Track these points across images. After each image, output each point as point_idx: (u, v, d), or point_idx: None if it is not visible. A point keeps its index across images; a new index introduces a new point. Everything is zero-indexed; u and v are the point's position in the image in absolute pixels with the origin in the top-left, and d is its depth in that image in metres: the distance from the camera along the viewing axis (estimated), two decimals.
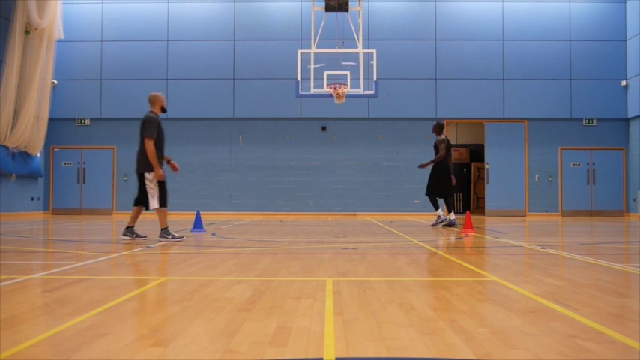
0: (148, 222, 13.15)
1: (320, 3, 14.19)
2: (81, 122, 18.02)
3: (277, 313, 2.83)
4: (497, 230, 10.05)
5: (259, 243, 7.19)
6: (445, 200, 10.77)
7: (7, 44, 15.07)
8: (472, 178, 19.86)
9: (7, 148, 15.28)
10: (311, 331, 2.46)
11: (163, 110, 7.78)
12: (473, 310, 2.95)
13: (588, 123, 17.73)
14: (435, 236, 8.29)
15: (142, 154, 7.26)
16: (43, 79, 16.26)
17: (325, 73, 13.89)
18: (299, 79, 13.79)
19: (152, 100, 7.72)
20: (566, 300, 3.18)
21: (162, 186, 7.36)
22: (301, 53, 13.94)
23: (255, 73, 17.74)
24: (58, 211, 17.84)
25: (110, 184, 17.85)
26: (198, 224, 9.11)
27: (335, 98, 13.83)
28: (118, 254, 5.73)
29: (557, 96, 17.67)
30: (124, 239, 7.22)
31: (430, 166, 10.84)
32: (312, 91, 13.97)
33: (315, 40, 13.80)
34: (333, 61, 14.49)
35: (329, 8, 13.66)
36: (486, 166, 17.77)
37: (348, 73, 14.29)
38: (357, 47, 13.91)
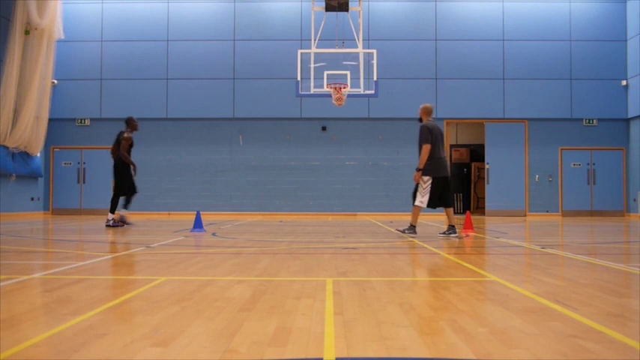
0: (151, 222, 13.15)
1: (320, 3, 14.18)
2: (81, 122, 18.02)
3: (277, 313, 2.83)
4: (498, 230, 10.05)
5: (259, 243, 7.19)
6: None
7: (7, 44, 15.06)
8: (472, 178, 19.86)
9: (7, 148, 15.28)
10: (311, 331, 2.46)
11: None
12: (473, 310, 2.95)
13: (588, 123, 17.73)
14: (435, 236, 8.29)
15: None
16: (43, 79, 16.25)
17: (325, 72, 13.87)
18: (299, 79, 13.78)
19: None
20: (566, 300, 3.17)
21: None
22: (301, 53, 13.93)
23: (255, 73, 17.74)
24: (58, 211, 17.84)
25: (110, 184, 17.82)
26: (198, 224, 9.10)
27: (334, 100, 13.82)
28: (118, 254, 5.72)
29: (558, 96, 17.66)
30: None
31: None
32: (312, 91, 13.95)
33: (315, 40, 13.80)
34: (333, 61, 14.48)
35: (329, 8, 13.65)
36: (486, 166, 17.77)
37: (348, 73, 14.28)
38: (357, 47, 13.90)
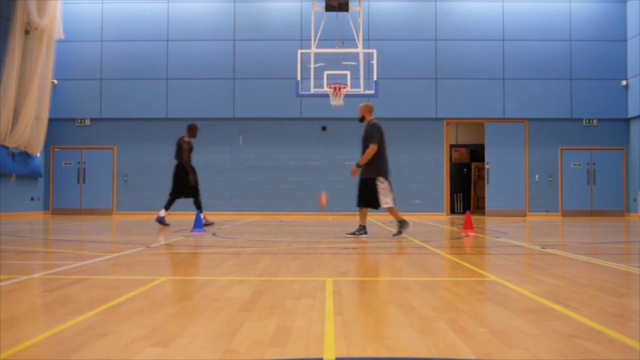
0: (152, 222, 13.15)
1: (320, 3, 14.18)
2: (81, 122, 18.01)
3: (277, 313, 2.83)
4: (498, 230, 10.05)
5: (259, 243, 7.19)
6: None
7: (7, 44, 15.06)
8: (472, 178, 19.86)
9: (7, 148, 15.27)
10: (311, 331, 2.46)
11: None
12: (473, 310, 2.95)
13: (588, 123, 17.73)
14: (436, 237, 8.30)
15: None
16: (43, 79, 16.25)
17: (325, 73, 13.87)
18: (299, 79, 13.78)
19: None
20: (566, 300, 3.17)
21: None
22: (301, 53, 13.93)
23: (255, 73, 17.73)
24: (58, 211, 17.84)
25: (110, 184, 17.85)
26: (198, 224, 9.11)
27: (332, 99, 13.81)
28: (118, 254, 5.72)
29: (558, 96, 17.66)
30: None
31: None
32: (312, 91, 13.95)
33: (315, 40, 13.80)
34: (333, 61, 14.48)
35: (329, 8, 13.65)
36: (486, 166, 17.77)
37: (348, 73, 14.28)
38: (357, 47, 13.91)
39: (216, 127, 17.83)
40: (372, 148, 7.75)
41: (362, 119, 8.12)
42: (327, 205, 9.08)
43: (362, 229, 8.01)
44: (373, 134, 7.80)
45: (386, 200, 7.81)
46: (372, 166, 7.83)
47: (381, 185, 7.79)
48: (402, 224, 7.98)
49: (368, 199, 7.89)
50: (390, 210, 7.99)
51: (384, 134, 7.95)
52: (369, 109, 8.11)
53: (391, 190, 7.89)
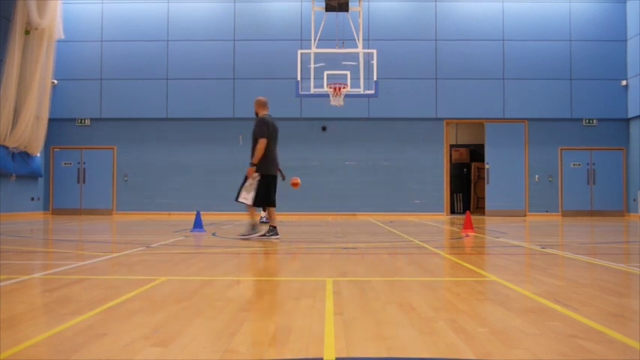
0: (151, 222, 13.15)
1: (320, 3, 14.18)
2: (81, 122, 18.01)
3: (277, 313, 2.83)
4: (498, 230, 10.05)
5: (259, 243, 7.19)
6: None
7: (7, 44, 15.05)
8: (472, 178, 19.85)
9: (7, 148, 15.27)
10: (311, 331, 2.46)
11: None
12: (473, 310, 2.95)
13: (588, 123, 17.73)
14: (436, 237, 8.30)
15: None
16: (43, 79, 16.24)
17: (325, 73, 13.87)
18: (299, 79, 13.78)
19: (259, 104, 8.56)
20: (566, 300, 3.17)
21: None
22: (301, 53, 13.93)
23: (255, 73, 17.72)
24: (58, 211, 17.83)
25: (110, 184, 17.84)
26: (198, 224, 9.11)
27: (332, 99, 13.81)
28: (118, 254, 5.72)
29: (557, 96, 17.65)
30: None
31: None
32: (312, 91, 13.95)
33: (315, 40, 13.79)
34: (333, 61, 14.47)
35: (329, 8, 13.65)
36: (486, 166, 17.76)
37: (348, 73, 14.28)
38: (357, 47, 13.90)
39: (216, 127, 17.83)
40: (262, 143, 7.54)
41: (256, 115, 7.98)
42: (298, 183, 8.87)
43: (272, 230, 7.57)
44: (261, 129, 7.61)
45: (245, 196, 7.54)
46: (260, 162, 7.59)
47: (250, 180, 7.55)
48: (254, 228, 7.63)
49: (267, 197, 7.64)
50: (247, 207, 7.69)
51: (275, 130, 7.76)
52: (261, 104, 8.01)
53: (258, 188, 7.54)
